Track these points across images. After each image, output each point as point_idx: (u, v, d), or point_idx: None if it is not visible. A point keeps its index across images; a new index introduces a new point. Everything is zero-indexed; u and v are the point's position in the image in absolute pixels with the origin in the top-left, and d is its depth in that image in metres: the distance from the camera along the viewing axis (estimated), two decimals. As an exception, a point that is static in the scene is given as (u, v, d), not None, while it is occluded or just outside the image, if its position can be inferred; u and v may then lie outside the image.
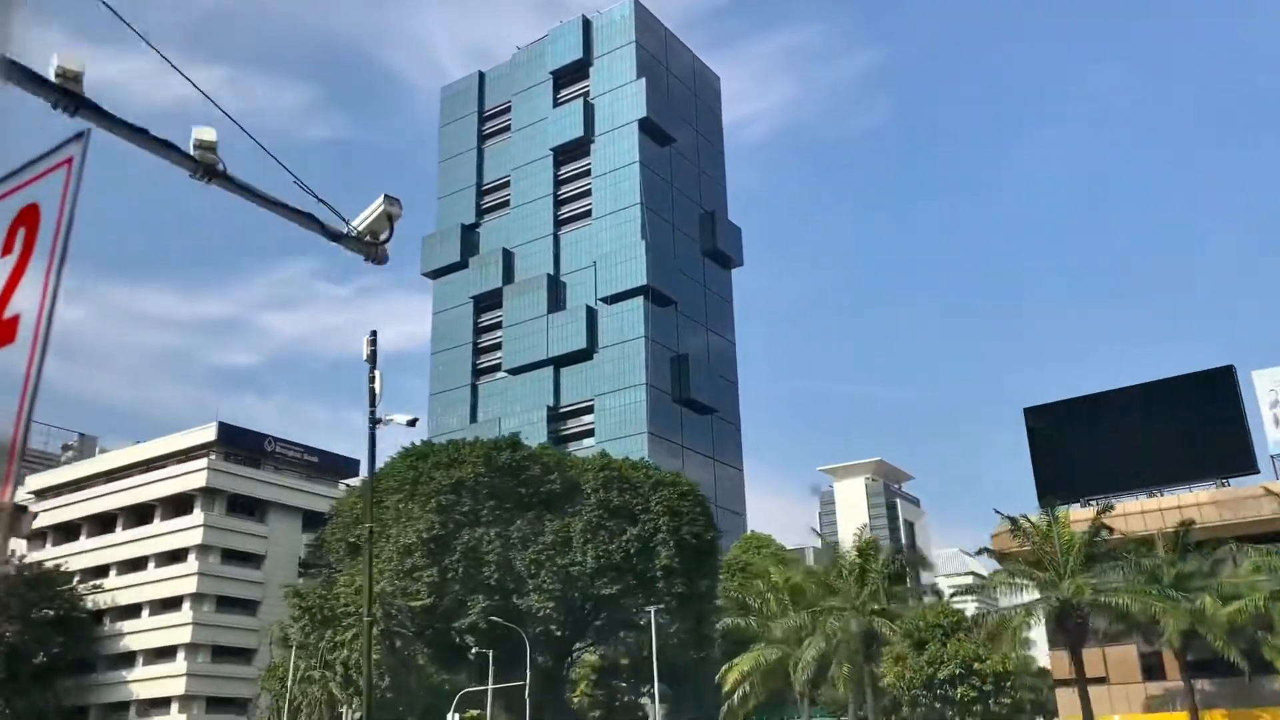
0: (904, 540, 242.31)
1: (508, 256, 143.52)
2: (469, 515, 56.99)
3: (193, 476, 60.96)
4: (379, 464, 65.31)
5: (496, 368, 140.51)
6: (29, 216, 2.34)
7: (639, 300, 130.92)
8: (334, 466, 70.69)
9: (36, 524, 72.49)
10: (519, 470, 58.92)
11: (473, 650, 61.58)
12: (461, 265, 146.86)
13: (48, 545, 67.90)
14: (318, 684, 49.77)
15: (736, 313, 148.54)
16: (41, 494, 72.30)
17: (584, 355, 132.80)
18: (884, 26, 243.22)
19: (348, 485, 70.41)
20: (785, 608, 41.77)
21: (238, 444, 63.99)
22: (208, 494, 61.77)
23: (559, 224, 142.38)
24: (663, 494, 61.77)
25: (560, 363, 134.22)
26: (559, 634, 60.95)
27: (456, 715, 46.99)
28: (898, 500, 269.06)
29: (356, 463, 72.70)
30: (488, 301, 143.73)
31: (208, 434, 63.02)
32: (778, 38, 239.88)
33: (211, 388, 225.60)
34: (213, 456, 62.15)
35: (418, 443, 62.33)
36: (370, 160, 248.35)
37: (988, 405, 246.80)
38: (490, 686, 48.89)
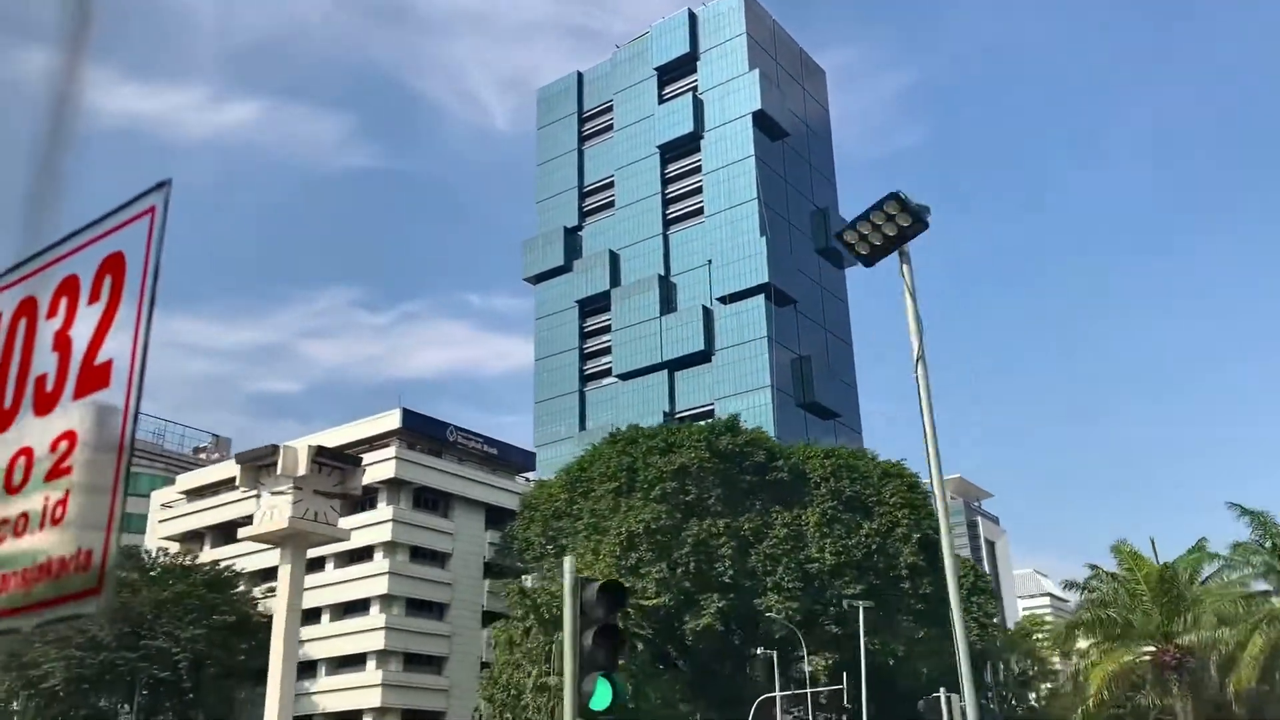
0: (985, 560, 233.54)
1: (614, 258, 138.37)
2: (694, 505, 51.17)
3: (380, 467, 55.73)
4: (562, 462, 59.15)
5: (605, 373, 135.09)
6: (114, 264, 2.37)
7: (759, 299, 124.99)
8: (513, 460, 65.23)
9: (192, 525, 67.63)
10: (743, 456, 53.04)
11: (678, 659, 55.78)
12: (565, 269, 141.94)
13: (206, 547, 63.04)
14: (554, 691, 43.89)
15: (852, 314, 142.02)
16: (193, 494, 67.69)
17: (701, 358, 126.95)
18: (932, 38, 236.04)
19: (527, 479, 64.96)
20: (1143, 603, 35.43)
21: (420, 432, 58.67)
22: (393, 486, 56.50)
23: (668, 223, 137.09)
24: (893, 484, 55.63)
25: (675, 366, 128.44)
26: (780, 638, 54.82)
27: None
28: (978, 518, 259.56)
29: (533, 455, 67.04)
30: (594, 305, 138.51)
31: (390, 421, 57.79)
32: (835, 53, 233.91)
33: (252, 415, 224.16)
34: (398, 445, 56.92)
35: (623, 427, 56.78)
36: (409, 188, 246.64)
37: (1078, 431, 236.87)
38: (775, 692, 42.65)
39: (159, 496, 70.52)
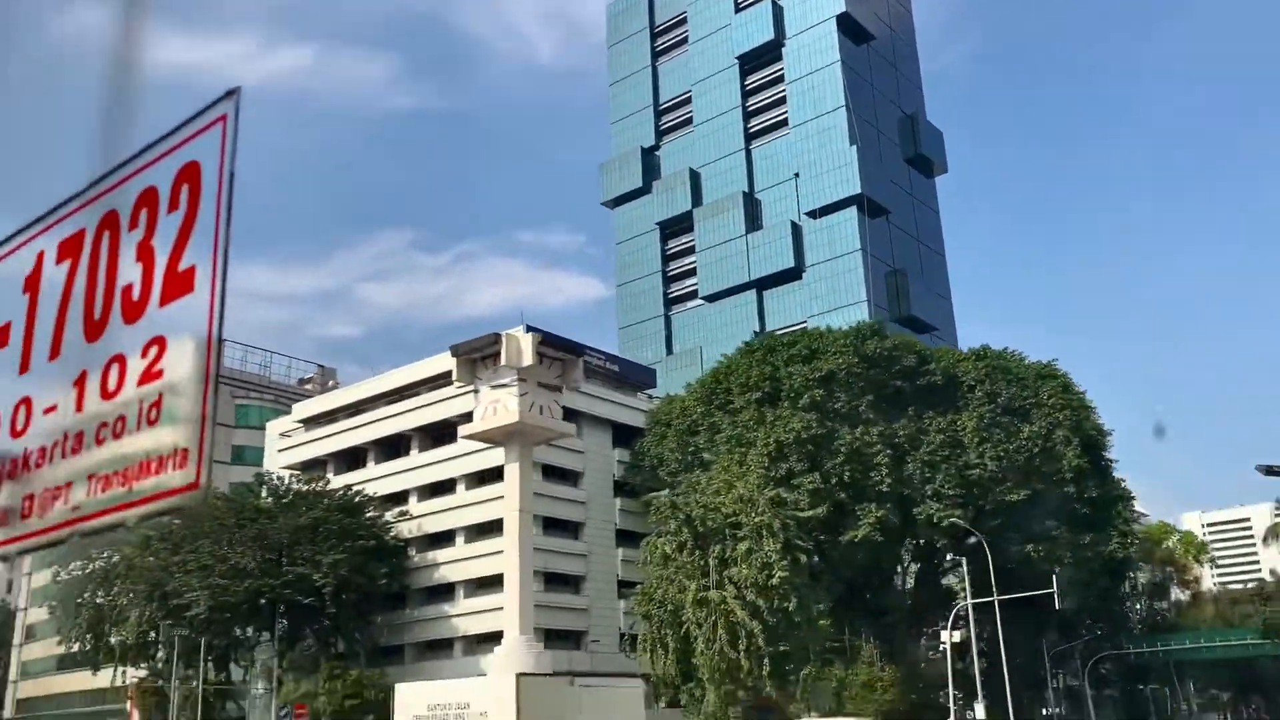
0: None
1: (694, 177, 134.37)
2: (844, 413, 48.59)
3: (509, 385, 53.89)
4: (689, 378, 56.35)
5: (690, 295, 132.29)
6: (190, 173, 2.45)
7: (851, 211, 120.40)
8: (634, 378, 63.10)
9: (314, 454, 66.72)
10: (891, 360, 50.16)
11: (823, 573, 53.68)
12: (644, 191, 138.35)
13: (329, 474, 62.32)
14: (715, 606, 42.16)
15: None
16: (310, 422, 66.95)
17: (791, 275, 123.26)
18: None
19: (650, 395, 62.91)
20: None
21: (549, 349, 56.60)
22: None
23: (749, 138, 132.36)
24: (1049, 386, 52.38)
25: (763, 285, 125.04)
26: (934, 548, 52.58)
27: (951, 634, 38.73)
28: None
29: (653, 372, 64.96)
30: (675, 226, 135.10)
31: (516, 339, 55.88)
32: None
33: (318, 359, 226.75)
34: (526, 363, 54.93)
35: (757, 334, 54.12)
36: (458, 127, 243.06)
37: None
38: (968, 600, 40.42)
39: (275, 427, 70.02)
